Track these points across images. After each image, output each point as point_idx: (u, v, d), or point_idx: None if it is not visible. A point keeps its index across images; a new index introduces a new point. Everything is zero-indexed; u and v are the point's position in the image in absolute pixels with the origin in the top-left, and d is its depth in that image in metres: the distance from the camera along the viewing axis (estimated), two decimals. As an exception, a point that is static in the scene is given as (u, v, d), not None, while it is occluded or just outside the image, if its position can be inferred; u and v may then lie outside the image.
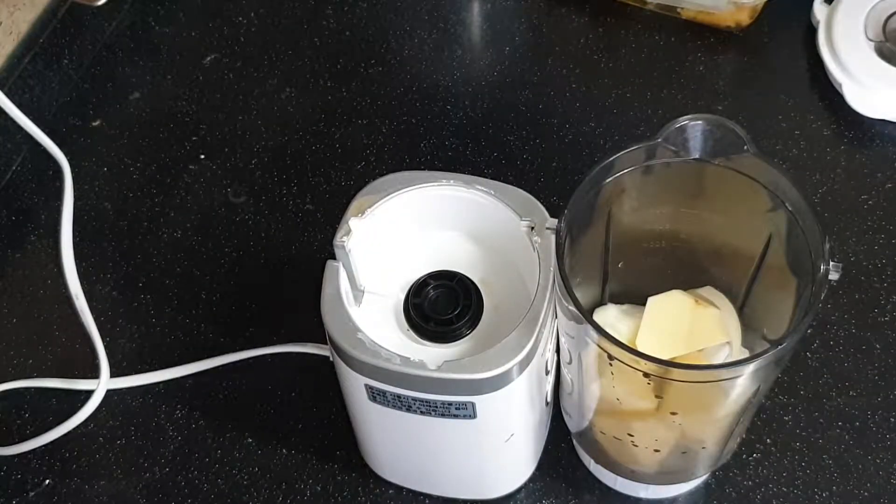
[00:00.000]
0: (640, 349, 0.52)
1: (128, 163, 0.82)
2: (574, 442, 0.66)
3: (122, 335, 0.73)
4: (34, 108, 0.81)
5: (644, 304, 0.59)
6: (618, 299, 0.63)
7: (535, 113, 0.83)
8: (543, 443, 0.66)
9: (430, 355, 0.53)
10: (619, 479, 0.64)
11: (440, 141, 0.82)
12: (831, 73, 0.81)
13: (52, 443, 0.68)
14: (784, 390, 0.68)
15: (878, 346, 0.70)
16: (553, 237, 0.53)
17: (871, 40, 0.80)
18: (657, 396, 0.54)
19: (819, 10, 0.83)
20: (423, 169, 0.59)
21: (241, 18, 0.91)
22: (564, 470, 0.66)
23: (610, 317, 0.61)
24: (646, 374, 0.51)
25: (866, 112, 0.79)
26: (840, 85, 0.80)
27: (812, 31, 0.84)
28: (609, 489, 0.65)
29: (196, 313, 0.74)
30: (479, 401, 0.54)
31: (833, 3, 0.83)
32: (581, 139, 0.81)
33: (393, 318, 0.58)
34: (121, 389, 0.71)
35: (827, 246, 0.50)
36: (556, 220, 0.53)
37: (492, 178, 0.58)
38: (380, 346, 0.53)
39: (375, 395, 0.56)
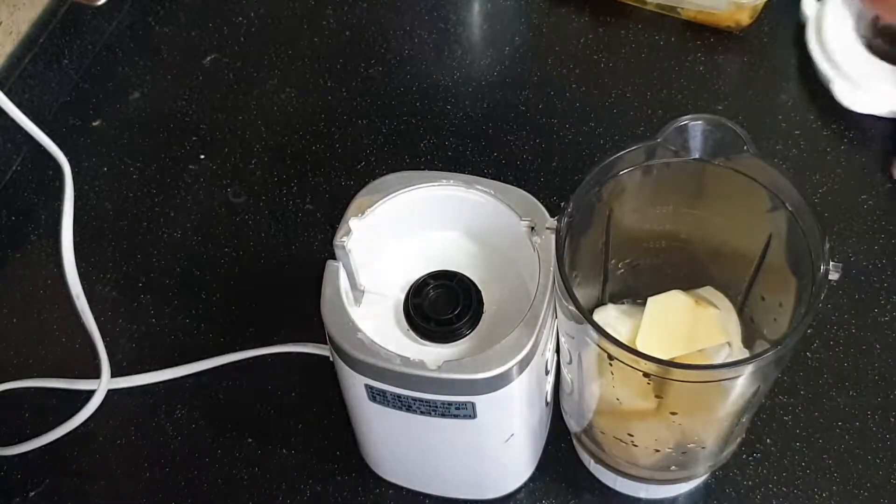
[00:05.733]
0: (640, 349, 0.52)
1: (128, 163, 0.82)
2: (574, 442, 0.66)
3: (123, 335, 0.73)
4: (34, 108, 0.81)
5: (644, 304, 0.59)
6: (618, 299, 0.63)
7: (535, 113, 0.83)
8: (543, 443, 0.66)
9: (430, 355, 0.53)
10: (619, 479, 0.64)
11: (440, 141, 0.81)
12: (820, 69, 0.80)
13: (52, 443, 0.68)
14: (784, 390, 0.68)
15: (878, 346, 0.70)
16: (553, 237, 0.53)
17: (862, 36, 0.80)
18: (657, 396, 0.54)
19: (808, 7, 0.83)
20: (423, 169, 0.59)
21: (241, 18, 0.91)
22: (564, 470, 0.66)
23: (610, 317, 0.61)
24: (646, 374, 0.51)
25: (856, 108, 0.79)
26: (829, 81, 0.79)
27: (812, 30, 0.84)
28: (609, 489, 0.65)
29: (196, 313, 0.74)
30: (479, 401, 0.54)
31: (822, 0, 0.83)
32: (581, 139, 0.81)
33: (393, 318, 0.58)
34: (121, 389, 0.71)
35: (827, 246, 0.50)
36: (556, 220, 0.53)
37: (492, 178, 0.58)
38: (380, 346, 0.53)
39: (375, 395, 0.56)
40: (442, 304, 0.57)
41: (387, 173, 0.59)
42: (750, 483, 0.65)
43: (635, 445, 0.59)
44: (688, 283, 0.60)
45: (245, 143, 0.83)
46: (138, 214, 0.80)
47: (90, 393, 0.69)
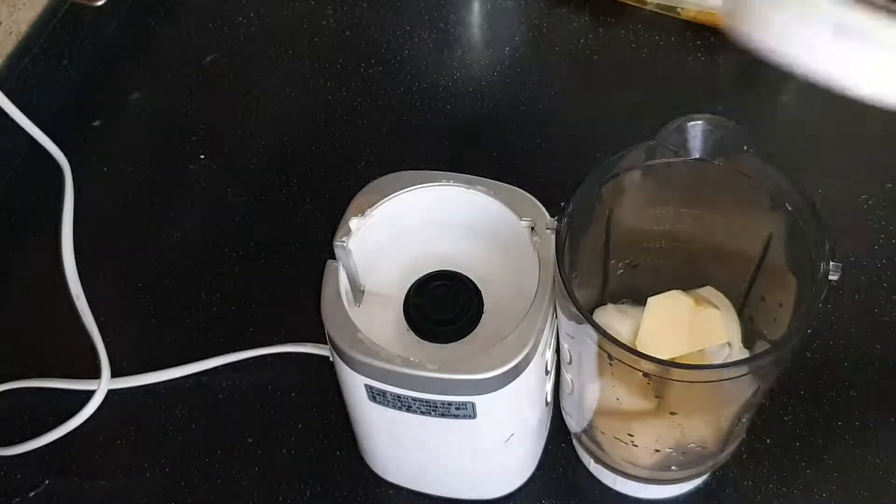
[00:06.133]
0: (640, 349, 0.52)
1: (128, 163, 0.82)
2: (574, 442, 0.66)
3: (123, 335, 0.73)
4: (34, 108, 0.81)
5: (644, 304, 0.59)
6: (618, 299, 0.63)
7: (535, 113, 0.83)
8: (543, 443, 0.66)
9: (430, 355, 0.53)
10: (619, 479, 0.63)
11: (440, 141, 0.81)
12: None
13: (52, 443, 0.68)
14: (784, 390, 0.68)
15: (878, 346, 0.70)
16: (553, 237, 0.53)
17: None
18: (657, 396, 0.54)
19: None
20: (423, 169, 0.59)
21: (241, 18, 0.91)
22: (564, 470, 0.66)
23: (610, 317, 0.61)
24: (646, 374, 0.51)
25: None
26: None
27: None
28: (609, 489, 0.65)
29: (196, 313, 0.74)
30: (479, 401, 0.54)
31: None
32: (581, 139, 0.81)
33: (393, 318, 0.58)
34: (121, 389, 0.71)
35: (827, 246, 0.50)
36: (556, 220, 0.53)
37: (492, 178, 0.58)
38: (380, 346, 0.53)
39: (375, 395, 0.56)
40: (442, 304, 0.57)
41: (387, 173, 0.59)
42: (750, 483, 0.65)
43: (635, 445, 0.59)
44: (688, 283, 0.60)
45: (245, 143, 0.83)
46: (138, 214, 0.80)
47: (90, 393, 0.69)
